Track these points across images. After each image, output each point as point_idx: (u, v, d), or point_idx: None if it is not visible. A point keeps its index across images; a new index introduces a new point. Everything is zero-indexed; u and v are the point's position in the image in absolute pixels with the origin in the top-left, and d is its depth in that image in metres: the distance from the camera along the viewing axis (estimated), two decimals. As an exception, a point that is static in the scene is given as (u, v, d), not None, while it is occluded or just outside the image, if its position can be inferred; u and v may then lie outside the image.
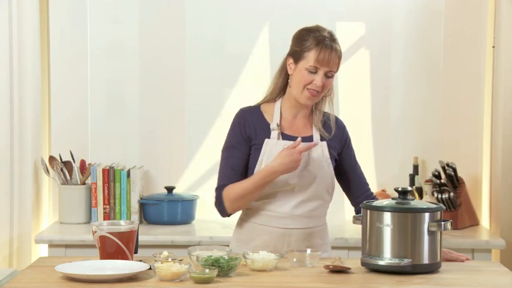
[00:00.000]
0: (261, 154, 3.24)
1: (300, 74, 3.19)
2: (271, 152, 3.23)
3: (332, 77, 3.21)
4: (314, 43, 3.18)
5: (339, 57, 3.21)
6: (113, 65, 4.59)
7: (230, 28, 4.57)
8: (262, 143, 3.24)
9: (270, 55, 4.51)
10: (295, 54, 3.22)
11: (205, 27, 4.56)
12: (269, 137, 3.25)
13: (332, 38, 3.21)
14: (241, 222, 3.34)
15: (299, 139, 3.15)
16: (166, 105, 4.58)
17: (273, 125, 3.26)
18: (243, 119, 3.29)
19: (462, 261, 3.13)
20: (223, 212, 3.28)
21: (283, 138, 3.26)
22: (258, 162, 3.24)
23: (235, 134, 3.28)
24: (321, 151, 3.26)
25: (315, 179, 3.24)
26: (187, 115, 4.59)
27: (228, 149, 3.30)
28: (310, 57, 3.17)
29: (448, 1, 4.52)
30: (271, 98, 3.33)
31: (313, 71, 3.18)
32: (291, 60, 3.24)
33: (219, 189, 3.27)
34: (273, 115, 3.28)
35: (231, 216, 3.31)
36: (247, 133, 3.27)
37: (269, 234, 3.26)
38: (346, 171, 3.35)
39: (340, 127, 3.35)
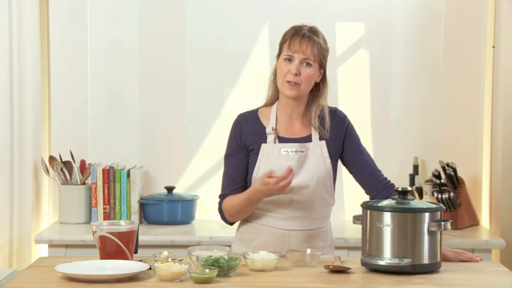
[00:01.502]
0: (258, 159, 3.25)
1: (280, 66, 3.24)
2: (268, 156, 3.24)
3: (311, 66, 3.21)
4: (290, 34, 3.23)
5: (317, 46, 3.21)
6: (113, 65, 4.58)
7: (230, 28, 4.58)
8: (260, 148, 3.25)
9: (270, 55, 4.51)
10: (278, 50, 3.28)
11: (205, 27, 4.56)
12: (266, 142, 3.26)
13: (311, 30, 3.24)
14: (243, 221, 3.35)
15: (289, 168, 3.12)
16: (166, 105, 4.58)
17: (269, 129, 3.27)
18: (238, 127, 3.31)
19: (477, 261, 3.13)
20: (226, 222, 3.34)
21: (280, 141, 3.26)
22: (255, 168, 3.25)
23: (232, 142, 3.32)
24: (319, 151, 3.26)
25: (313, 179, 3.23)
26: (187, 115, 4.59)
27: (227, 157, 3.34)
28: (285, 47, 3.22)
29: (448, 1, 4.51)
30: (268, 103, 3.34)
31: (289, 60, 3.20)
32: (276, 60, 3.28)
33: (221, 199, 3.32)
34: (269, 119, 3.29)
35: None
36: (242, 141, 3.28)
37: (270, 235, 3.27)
38: (352, 162, 3.32)
39: (340, 119, 3.33)
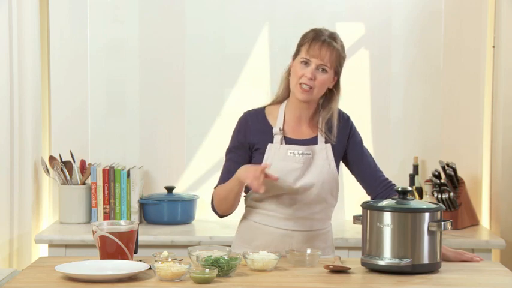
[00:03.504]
0: (264, 159, 3.24)
1: (295, 68, 3.22)
2: (274, 157, 3.23)
3: (327, 72, 3.20)
4: (310, 37, 3.21)
5: (335, 53, 3.21)
6: (113, 65, 4.58)
7: (230, 28, 4.57)
8: (266, 148, 3.25)
9: (270, 55, 4.51)
10: (295, 51, 3.26)
11: (205, 27, 4.56)
12: (272, 142, 3.25)
13: (331, 36, 3.23)
14: (244, 221, 3.35)
15: (265, 166, 3.13)
16: (166, 105, 4.58)
17: (276, 130, 3.26)
18: (244, 124, 3.30)
19: (477, 261, 3.13)
20: (215, 213, 3.32)
21: (286, 142, 3.26)
22: None
23: (236, 139, 3.31)
24: (324, 154, 3.26)
25: (319, 182, 3.23)
26: (187, 115, 4.59)
27: (229, 152, 3.33)
28: (304, 50, 3.21)
29: (448, 1, 4.51)
30: (277, 101, 3.33)
31: (305, 63, 3.19)
32: (292, 60, 3.26)
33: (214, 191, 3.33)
34: (277, 119, 3.28)
35: (230, 216, 3.36)
36: (247, 139, 3.28)
37: (271, 235, 3.26)
38: (354, 162, 3.32)
39: (343, 120, 3.32)
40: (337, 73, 3.25)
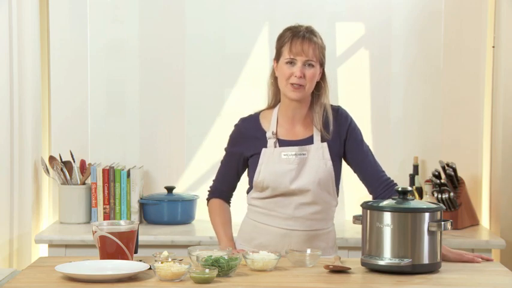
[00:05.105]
0: (259, 164, 3.26)
1: (282, 69, 3.23)
2: (269, 160, 3.24)
3: (314, 66, 3.21)
4: (289, 37, 3.22)
5: (318, 47, 3.22)
6: (113, 65, 4.58)
7: (230, 28, 4.57)
8: (260, 153, 3.25)
9: (270, 55, 4.49)
10: (277, 54, 3.28)
11: (205, 27, 4.56)
12: (266, 146, 3.26)
13: (308, 31, 3.24)
14: (245, 220, 3.37)
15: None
16: (166, 105, 4.58)
17: (269, 134, 3.28)
18: (238, 133, 3.34)
19: (479, 262, 3.12)
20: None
21: (280, 145, 3.26)
22: (256, 172, 3.27)
23: (229, 147, 3.38)
24: (321, 153, 3.26)
25: (315, 182, 3.23)
26: (187, 115, 4.59)
27: (225, 154, 3.40)
28: (286, 50, 3.21)
29: (448, 1, 4.51)
30: (271, 106, 3.35)
31: (291, 63, 3.20)
32: (275, 63, 3.27)
33: (210, 194, 3.43)
34: (270, 123, 3.29)
35: (235, 215, 3.45)
36: (240, 151, 3.32)
37: (270, 234, 3.27)
38: (354, 161, 3.32)
39: (342, 118, 3.32)
40: (322, 65, 3.25)
